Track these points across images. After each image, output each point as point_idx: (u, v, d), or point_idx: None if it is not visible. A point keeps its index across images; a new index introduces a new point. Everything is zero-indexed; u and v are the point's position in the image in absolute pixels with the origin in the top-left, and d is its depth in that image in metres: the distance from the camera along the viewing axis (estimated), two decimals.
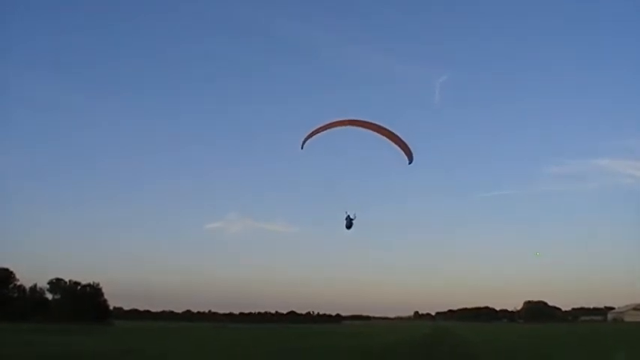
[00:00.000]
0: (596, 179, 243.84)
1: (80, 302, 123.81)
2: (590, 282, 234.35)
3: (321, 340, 54.82)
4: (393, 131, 24.34)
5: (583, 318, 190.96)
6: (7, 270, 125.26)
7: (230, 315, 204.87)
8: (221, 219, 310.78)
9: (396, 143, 24.28)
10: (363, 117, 24.68)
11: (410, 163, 24.47)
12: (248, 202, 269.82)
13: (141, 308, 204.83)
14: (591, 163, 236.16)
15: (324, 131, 24.64)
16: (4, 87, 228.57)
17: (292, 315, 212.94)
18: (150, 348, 40.89)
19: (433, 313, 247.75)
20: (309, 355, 35.19)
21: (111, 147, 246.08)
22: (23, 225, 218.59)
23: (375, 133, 24.26)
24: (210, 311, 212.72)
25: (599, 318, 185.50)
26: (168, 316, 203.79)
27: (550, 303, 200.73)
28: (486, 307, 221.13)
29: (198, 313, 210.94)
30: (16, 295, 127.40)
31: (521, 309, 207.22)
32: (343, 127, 24.27)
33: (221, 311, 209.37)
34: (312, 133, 24.87)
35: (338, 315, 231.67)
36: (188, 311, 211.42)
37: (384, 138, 24.29)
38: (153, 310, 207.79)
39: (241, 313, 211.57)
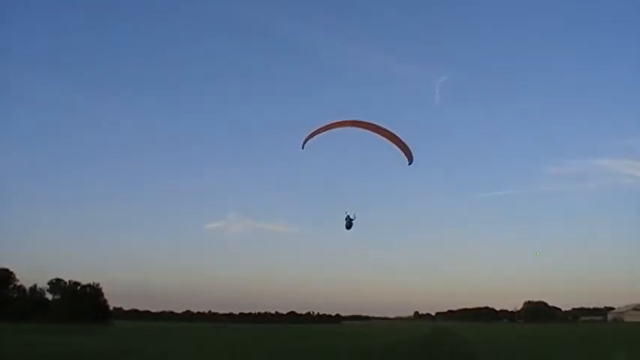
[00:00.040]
0: (596, 179, 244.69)
1: (80, 302, 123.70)
2: (590, 282, 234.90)
3: (321, 340, 54.83)
4: (394, 132, 24.42)
5: (583, 318, 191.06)
6: (7, 270, 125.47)
7: (230, 315, 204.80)
8: (221, 219, 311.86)
9: (396, 144, 24.34)
10: (363, 117, 24.82)
11: (410, 164, 24.55)
12: (248, 202, 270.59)
13: (141, 308, 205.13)
14: (591, 163, 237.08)
15: (325, 132, 24.70)
16: (4, 87, 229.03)
17: (292, 315, 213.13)
18: (150, 348, 40.90)
19: (433, 314, 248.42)
20: (309, 355, 35.21)
21: (111, 147, 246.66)
22: (23, 225, 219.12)
23: (375, 134, 24.32)
24: (210, 311, 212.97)
25: (599, 318, 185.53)
26: (168, 316, 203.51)
27: (550, 303, 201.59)
28: (486, 308, 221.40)
29: (198, 313, 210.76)
30: (16, 295, 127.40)
31: (521, 309, 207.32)
32: (343, 128, 24.34)
33: (221, 311, 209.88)
34: (313, 133, 24.93)
35: (338, 315, 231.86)
36: (188, 311, 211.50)
37: (384, 139, 24.35)
38: (153, 310, 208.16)
39: (241, 314, 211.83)
